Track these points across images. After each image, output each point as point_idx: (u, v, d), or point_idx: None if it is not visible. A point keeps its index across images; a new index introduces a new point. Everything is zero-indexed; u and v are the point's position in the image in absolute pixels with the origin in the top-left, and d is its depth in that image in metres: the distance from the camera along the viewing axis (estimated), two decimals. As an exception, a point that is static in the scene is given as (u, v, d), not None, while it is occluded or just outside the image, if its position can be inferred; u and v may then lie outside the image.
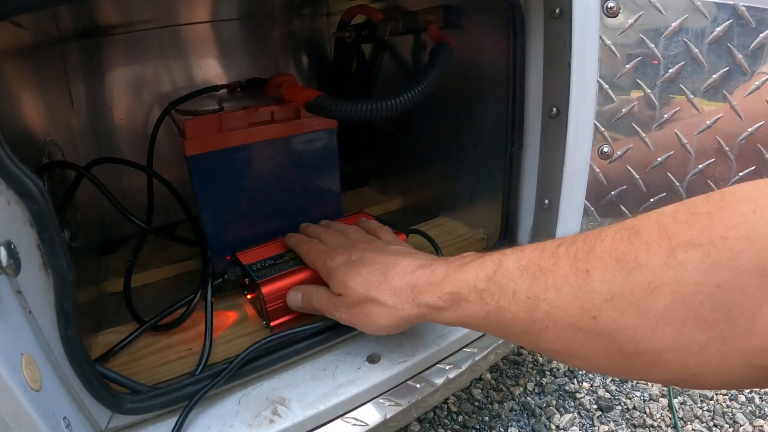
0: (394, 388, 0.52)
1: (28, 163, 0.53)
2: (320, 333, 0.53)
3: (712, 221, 0.28)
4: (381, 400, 0.51)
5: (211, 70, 0.87)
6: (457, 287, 0.41)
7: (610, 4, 0.53)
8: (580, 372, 0.83)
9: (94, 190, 0.62)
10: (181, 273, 0.70)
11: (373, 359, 0.53)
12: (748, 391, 0.80)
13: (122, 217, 0.63)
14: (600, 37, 0.54)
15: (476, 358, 0.56)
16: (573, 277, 0.33)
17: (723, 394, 0.79)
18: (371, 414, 0.50)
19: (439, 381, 0.53)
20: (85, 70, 0.77)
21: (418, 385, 0.53)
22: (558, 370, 0.84)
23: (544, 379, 0.82)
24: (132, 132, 0.82)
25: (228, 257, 0.62)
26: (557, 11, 0.57)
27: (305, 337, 0.53)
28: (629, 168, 0.58)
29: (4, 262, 0.34)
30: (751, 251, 0.26)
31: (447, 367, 0.55)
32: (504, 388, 0.81)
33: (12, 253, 0.36)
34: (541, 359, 0.86)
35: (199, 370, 0.50)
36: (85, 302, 0.58)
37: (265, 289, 0.53)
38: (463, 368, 0.55)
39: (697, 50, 0.55)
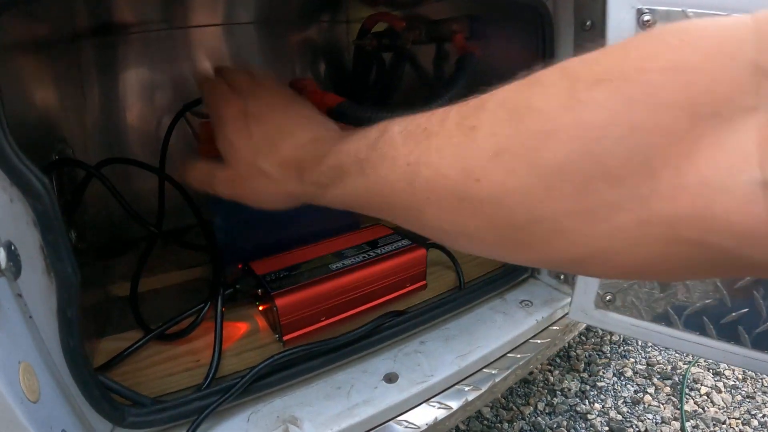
0: (411, 409, 0.48)
1: (36, 159, 0.50)
2: (336, 349, 0.49)
3: (626, 53, 0.21)
4: (397, 423, 0.47)
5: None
6: (339, 159, 0.34)
7: (646, 18, 0.50)
8: (592, 392, 0.79)
9: (102, 190, 0.58)
10: (189, 279, 0.66)
11: (390, 378, 0.49)
12: (761, 415, 0.76)
13: (131, 219, 0.59)
14: (634, 50, 0.50)
15: (496, 380, 0.52)
16: (458, 136, 0.26)
17: (736, 419, 0.75)
18: (387, 437, 0.46)
19: (457, 403, 0.49)
20: (99, 68, 0.73)
21: (436, 407, 0.48)
22: (569, 390, 0.80)
23: (554, 399, 0.78)
24: (144, 133, 0.78)
25: (239, 265, 0.58)
26: (588, 23, 0.54)
27: (320, 353, 0.48)
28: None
29: (3, 265, 0.31)
30: (677, 83, 0.19)
31: (466, 389, 0.50)
32: (514, 407, 0.77)
33: (12, 254, 0.32)
34: (551, 378, 0.82)
35: (206, 385, 0.46)
36: (90, 305, 0.54)
37: (280, 302, 0.48)
38: (483, 390, 0.51)
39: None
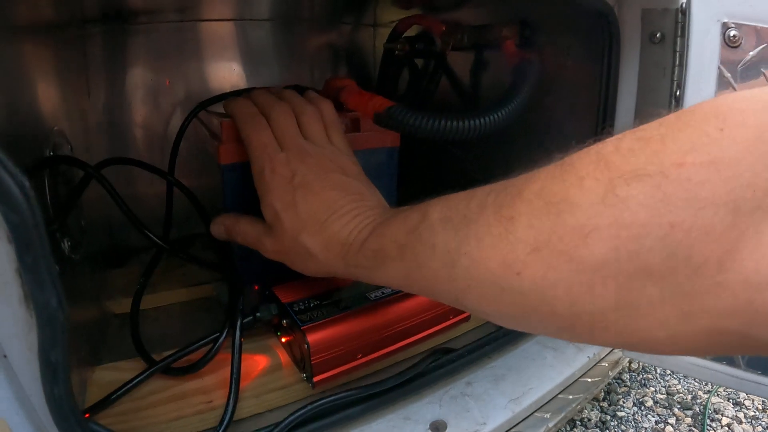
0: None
1: (25, 154, 0.38)
2: (380, 395, 0.38)
3: (664, 146, 0.19)
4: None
5: (240, 73, 0.72)
6: (380, 243, 0.32)
7: (732, 33, 0.42)
8: (612, 423, 0.70)
9: (100, 193, 0.46)
10: (195, 299, 0.54)
11: (437, 427, 0.38)
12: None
13: (131, 226, 0.47)
14: (718, 67, 0.42)
15: (549, 425, 0.42)
16: (496, 225, 0.24)
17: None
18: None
19: (511, 457, 0.39)
20: (107, 59, 0.62)
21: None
22: (589, 420, 0.71)
23: (575, 429, 0.69)
24: (151, 131, 0.66)
25: (256, 287, 0.46)
26: (658, 35, 0.46)
27: (361, 399, 0.38)
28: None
29: None
30: (718, 180, 0.17)
31: (523, 440, 0.40)
32: None
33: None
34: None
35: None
36: (83, 324, 0.43)
37: (312, 338, 0.37)
38: (539, 440, 0.41)
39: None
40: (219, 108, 0.54)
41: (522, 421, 0.42)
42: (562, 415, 0.44)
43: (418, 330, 0.43)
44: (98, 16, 0.59)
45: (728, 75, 0.42)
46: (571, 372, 0.46)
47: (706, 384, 0.78)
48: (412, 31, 0.65)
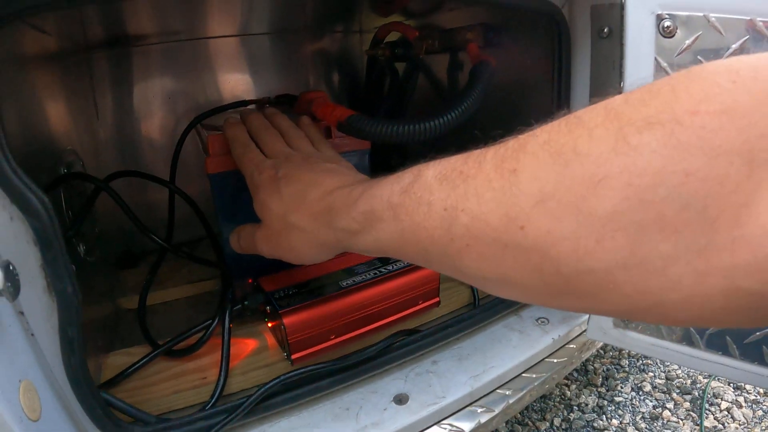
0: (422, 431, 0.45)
1: (44, 173, 0.48)
2: (346, 370, 0.47)
3: (676, 95, 0.20)
4: (407, 446, 0.44)
5: (240, 84, 0.82)
6: (370, 204, 0.33)
7: (666, 24, 0.48)
8: (609, 408, 0.75)
9: (113, 202, 0.56)
10: (199, 293, 0.65)
11: (400, 400, 0.47)
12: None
13: (138, 232, 0.57)
14: (655, 58, 0.48)
15: (510, 401, 0.50)
16: (497, 179, 0.24)
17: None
18: (396, 460, 0.44)
19: (470, 425, 0.47)
20: (112, 79, 0.73)
21: (447, 429, 0.46)
22: (586, 405, 0.77)
23: (571, 414, 0.75)
24: (157, 144, 0.77)
25: (249, 280, 0.56)
26: (606, 30, 0.52)
27: (329, 373, 0.46)
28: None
29: (1, 285, 0.30)
30: (732, 128, 0.18)
31: (479, 410, 0.48)
32: (530, 422, 0.74)
33: (10, 274, 0.31)
34: (568, 393, 0.79)
35: (211, 404, 0.44)
36: (99, 318, 0.53)
37: (288, 320, 0.46)
38: (496, 411, 0.48)
39: (755, 76, 0.48)
40: (211, 122, 0.64)
41: (483, 396, 0.50)
42: (524, 392, 0.51)
43: (387, 314, 0.52)
44: (102, 42, 0.69)
45: (665, 64, 0.48)
46: (534, 352, 0.53)
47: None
48: (392, 37, 0.73)
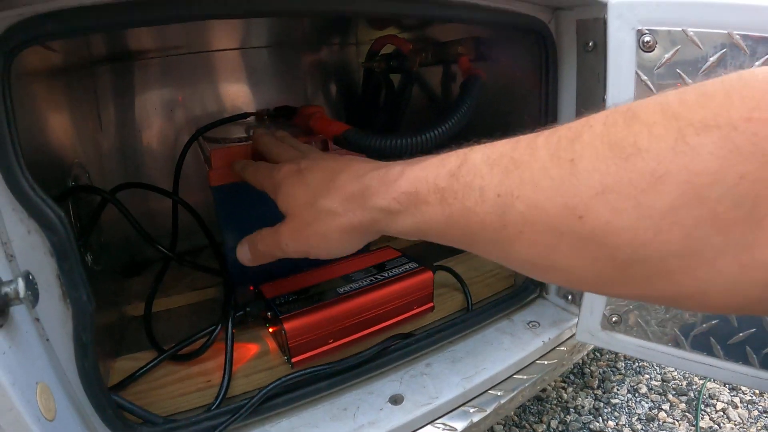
0: (416, 431, 0.49)
1: (54, 186, 0.52)
2: (343, 372, 0.51)
3: (731, 101, 0.21)
4: (402, 444, 0.48)
5: (239, 96, 0.86)
6: (414, 186, 0.33)
7: (646, 39, 0.51)
8: (606, 410, 0.78)
9: (118, 213, 0.60)
10: (202, 300, 0.68)
11: (396, 400, 0.50)
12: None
13: (144, 243, 0.61)
14: (636, 72, 0.51)
15: (502, 401, 0.53)
16: (555, 168, 0.25)
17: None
18: (392, 457, 0.47)
19: (462, 424, 0.50)
20: (115, 92, 0.76)
21: (440, 428, 0.49)
22: (583, 407, 0.79)
23: (568, 416, 0.78)
24: (159, 155, 0.81)
25: (251, 287, 0.59)
26: (591, 44, 0.55)
27: (327, 375, 0.50)
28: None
29: (22, 293, 0.33)
30: None
31: (471, 410, 0.51)
32: (527, 424, 0.77)
33: (30, 283, 0.34)
34: (565, 395, 0.82)
35: (216, 405, 0.48)
36: (105, 325, 0.57)
37: (288, 325, 0.50)
38: (488, 411, 0.52)
39: (735, 86, 0.51)
40: (213, 134, 0.68)
41: (476, 397, 0.53)
42: (515, 392, 0.54)
43: (383, 319, 0.55)
44: (106, 57, 0.73)
45: (645, 78, 0.51)
46: (524, 354, 0.56)
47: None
48: (388, 50, 0.77)
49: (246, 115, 0.75)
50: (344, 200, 0.38)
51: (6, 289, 0.32)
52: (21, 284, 0.32)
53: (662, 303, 0.28)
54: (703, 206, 0.21)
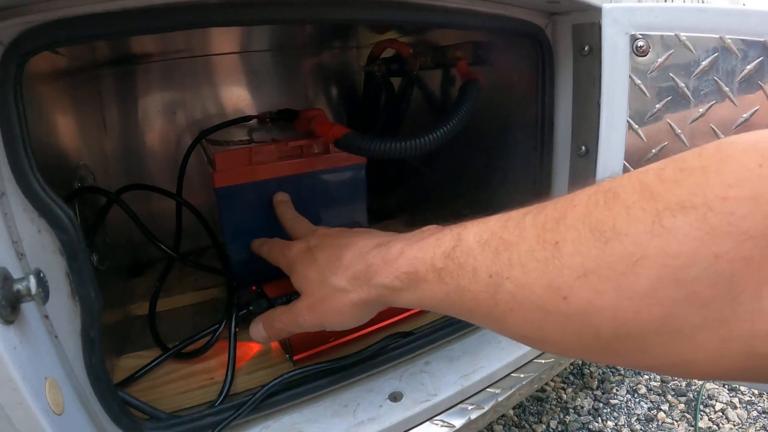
0: (415, 427, 0.50)
1: (60, 187, 0.54)
2: (344, 369, 0.52)
3: (707, 178, 0.22)
4: (401, 440, 0.49)
5: (241, 99, 0.88)
6: (413, 266, 0.36)
7: (640, 43, 0.52)
8: (605, 410, 0.80)
9: (122, 213, 0.62)
10: (205, 300, 0.70)
11: (395, 397, 0.51)
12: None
13: (149, 240, 0.62)
14: (630, 76, 0.53)
15: (499, 399, 0.54)
16: (540, 250, 0.27)
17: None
18: (391, 453, 0.48)
19: (460, 422, 0.51)
20: (118, 95, 0.78)
21: (439, 425, 0.51)
22: (582, 408, 0.81)
23: (567, 417, 0.79)
24: (162, 156, 0.83)
25: (253, 287, 0.61)
26: (586, 48, 0.57)
27: (328, 372, 0.51)
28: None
29: (33, 290, 0.34)
30: (758, 214, 0.20)
31: (469, 407, 0.53)
32: (526, 425, 0.79)
33: (41, 281, 0.36)
34: (564, 396, 0.83)
35: (219, 401, 0.49)
36: (110, 324, 0.58)
37: (290, 323, 0.51)
38: (486, 409, 0.53)
39: (727, 89, 0.53)
40: (216, 137, 0.69)
41: (474, 395, 0.54)
42: (512, 390, 0.55)
43: (383, 317, 0.57)
44: (109, 60, 0.75)
45: (639, 82, 0.53)
46: (522, 353, 0.58)
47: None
48: (388, 53, 0.78)
49: (249, 118, 0.77)
50: (351, 278, 0.41)
51: (18, 286, 0.33)
52: (33, 281, 0.34)
53: (649, 371, 0.29)
54: (681, 287, 0.22)
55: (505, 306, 0.29)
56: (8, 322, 0.32)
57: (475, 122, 0.59)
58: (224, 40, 0.84)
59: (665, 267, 0.22)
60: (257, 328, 0.50)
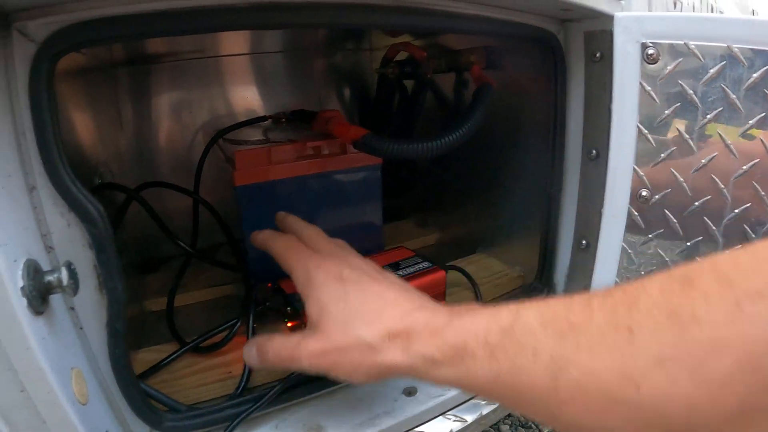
0: (428, 421, 0.51)
1: (83, 184, 0.54)
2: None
3: None
4: (415, 433, 0.50)
5: (254, 99, 0.88)
6: (462, 338, 0.32)
7: (650, 51, 0.53)
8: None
9: (137, 210, 0.62)
10: (218, 297, 0.70)
11: (409, 392, 0.52)
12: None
13: (164, 238, 0.63)
14: (640, 82, 0.53)
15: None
16: (612, 335, 0.26)
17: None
18: (405, 445, 0.49)
19: (472, 417, 0.52)
20: (134, 94, 0.79)
21: (452, 419, 0.51)
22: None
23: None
24: (176, 155, 0.83)
25: (269, 284, 0.61)
26: (598, 55, 0.57)
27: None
28: (666, 212, 0.56)
29: (65, 282, 0.34)
30: None
31: (482, 403, 0.53)
32: (533, 425, 0.79)
33: (72, 273, 0.36)
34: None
35: (238, 393, 0.49)
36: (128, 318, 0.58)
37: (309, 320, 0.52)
38: (497, 404, 0.53)
39: (734, 96, 0.54)
40: (233, 136, 0.70)
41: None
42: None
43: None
44: (126, 60, 0.75)
45: (649, 88, 0.53)
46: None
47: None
48: (401, 56, 0.79)
49: (264, 118, 0.77)
50: (386, 337, 0.36)
51: (49, 278, 0.34)
52: (65, 273, 0.34)
53: None
54: (758, 373, 0.22)
55: (567, 393, 0.27)
56: (38, 313, 0.33)
57: (487, 125, 0.60)
58: (237, 41, 0.84)
59: (744, 353, 0.22)
60: (251, 353, 0.43)
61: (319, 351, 0.38)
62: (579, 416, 0.27)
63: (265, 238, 0.48)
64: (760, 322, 0.22)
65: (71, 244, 0.38)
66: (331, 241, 0.47)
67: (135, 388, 0.43)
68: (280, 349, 0.41)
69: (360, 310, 0.37)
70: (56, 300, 0.36)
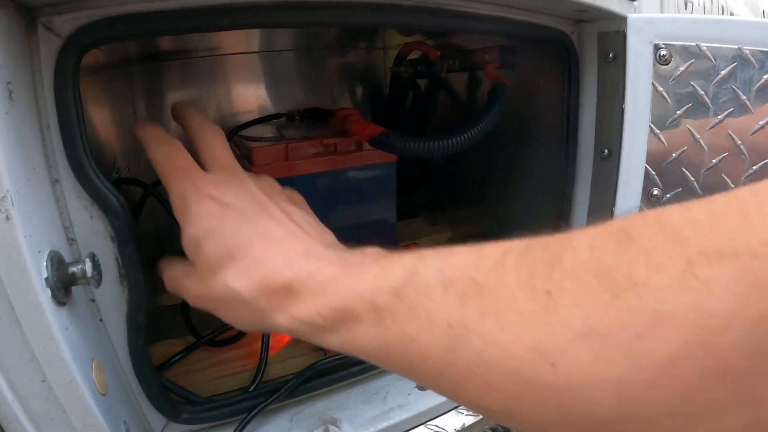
0: (441, 415, 0.51)
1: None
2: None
3: (749, 221, 0.17)
4: (428, 427, 0.50)
5: (266, 96, 0.88)
6: (347, 302, 0.27)
7: (663, 52, 0.53)
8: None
9: (151, 205, 0.62)
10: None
11: (423, 387, 0.52)
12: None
13: (176, 233, 0.62)
14: (652, 83, 0.53)
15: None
16: (525, 300, 0.21)
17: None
18: (419, 438, 0.49)
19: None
20: (148, 90, 0.78)
21: (464, 414, 0.51)
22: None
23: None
24: (190, 151, 0.83)
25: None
26: (611, 55, 0.57)
27: (359, 361, 0.51)
28: (678, 212, 0.56)
29: (89, 273, 0.34)
30: None
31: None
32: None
33: (96, 265, 0.36)
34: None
35: (254, 386, 0.49)
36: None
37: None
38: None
39: (744, 97, 0.54)
40: (249, 133, 0.70)
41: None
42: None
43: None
44: (140, 56, 0.76)
45: (661, 89, 0.53)
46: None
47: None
48: (415, 55, 0.79)
49: (279, 115, 0.77)
50: (263, 293, 0.30)
51: (73, 269, 0.34)
52: (89, 265, 0.34)
53: None
54: (712, 356, 0.17)
55: (466, 367, 0.22)
56: (61, 303, 0.33)
57: (500, 123, 0.60)
58: (251, 39, 0.84)
59: (696, 329, 0.17)
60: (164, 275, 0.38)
61: (196, 294, 0.34)
62: (481, 396, 0.23)
63: (146, 136, 0.39)
64: (717, 289, 0.16)
65: (93, 236, 0.38)
66: (230, 156, 0.37)
67: (153, 380, 0.43)
68: (170, 280, 0.37)
69: (234, 252, 0.31)
70: (77, 291, 0.36)
